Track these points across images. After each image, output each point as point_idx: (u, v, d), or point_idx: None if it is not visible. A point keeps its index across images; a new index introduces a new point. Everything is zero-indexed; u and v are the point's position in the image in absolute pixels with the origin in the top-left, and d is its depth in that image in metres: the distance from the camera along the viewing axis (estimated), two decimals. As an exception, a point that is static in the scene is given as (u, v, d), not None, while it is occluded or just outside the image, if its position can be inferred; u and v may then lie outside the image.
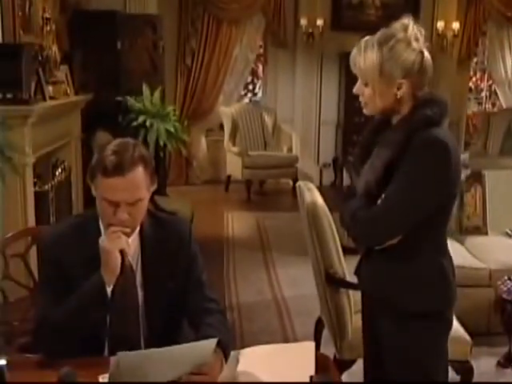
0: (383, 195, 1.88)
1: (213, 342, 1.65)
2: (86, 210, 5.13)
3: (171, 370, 1.63)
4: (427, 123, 1.85)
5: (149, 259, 1.91)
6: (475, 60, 8.93)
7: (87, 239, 1.86)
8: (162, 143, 5.65)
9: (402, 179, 1.85)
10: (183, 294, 1.94)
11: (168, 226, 1.97)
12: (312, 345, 1.89)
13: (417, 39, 1.86)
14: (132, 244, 1.87)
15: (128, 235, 1.83)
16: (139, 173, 1.78)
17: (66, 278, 1.85)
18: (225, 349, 1.77)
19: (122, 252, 1.79)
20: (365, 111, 1.96)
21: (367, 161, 1.94)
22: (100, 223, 1.88)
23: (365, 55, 1.87)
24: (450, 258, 1.99)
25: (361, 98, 1.94)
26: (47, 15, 4.61)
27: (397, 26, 1.87)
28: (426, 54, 1.87)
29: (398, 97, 1.87)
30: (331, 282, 2.77)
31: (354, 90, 1.95)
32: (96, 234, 1.87)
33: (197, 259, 1.99)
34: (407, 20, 1.87)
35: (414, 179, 1.84)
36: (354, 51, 1.91)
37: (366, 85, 1.89)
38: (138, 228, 1.90)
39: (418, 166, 1.83)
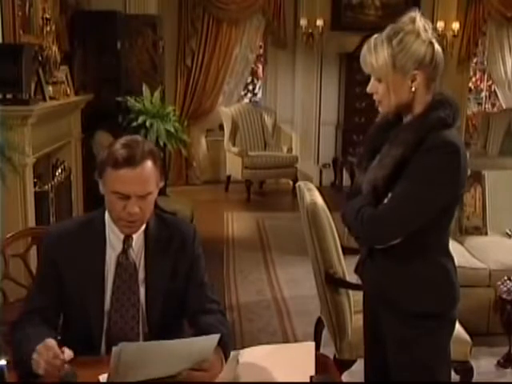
0: (390, 194, 1.88)
1: (215, 338, 1.66)
2: (86, 210, 5.13)
3: (171, 364, 1.63)
4: (440, 125, 1.84)
5: (152, 257, 1.92)
6: (475, 60, 8.93)
7: (91, 233, 1.90)
8: (161, 143, 5.65)
9: (411, 179, 1.84)
10: (184, 294, 1.96)
11: (173, 227, 1.99)
12: (312, 345, 1.89)
13: (425, 30, 1.85)
14: (137, 241, 1.91)
15: (135, 229, 1.88)
16: (149, 166, 1.81)
17: (58, 277, 1.88)
18: (224, 349, 1.77)
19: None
20: (380, 110, 1.94)
21: (375, 158, 1.93)
22: (106, 219, 1.91)
23: (376, 53, 1.86)
24: (453, 259, 1.99)
25: (375, 97, 1.92)
26: (47, 15, 4.61)
27: (404, 19, 1.87)
28: (437, 45, 1.87)
29: (413, 89, 1.85)
30: (331, 282, 2.77)
31: (368, 89, 1.93)
32: (101, 228, 1.90)
33: (199, 260, 2.00)
34: (414, 13, 1.87)
35: (424, 180, 1.83)
36: (364, 50, 1.89)
37: (380, 81, 1.88)
38: (144, 226, 1.92)
39: (428, 168, 1.82)
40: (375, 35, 1.89)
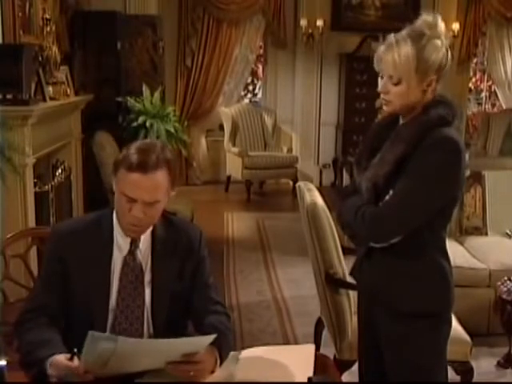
0: (391, 192, 1.88)
1: (209, 337, 1.67)
2: (86, 210, 5.13)
3: (160, 358, 1.64)
4: (441, 122, 1.85)
5: (159, 259, 1.93)
6: (475, 61, 8.93)
7: (99, 232, 1.90)
8: (161, 144, 5.64)
9: (412, 176, 1.84)
10: (189, 296, 1.96)
11: (180, 229, 1.99)
12: (312, 347, 1.89)
13: (444, 35, 1.87)
14: (144, 242, 1.91)
15: (139, 233, 1.88)
16: (161, 175, 1.81)
17: (65, 275, 1.88)
18: (221, 349, 1.77)
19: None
20: (385, 108, 1.93)
21: (375, 155, 1.93)
22: (114, 218, 1.91)
23: (399, 50, 1.83)
24: (449, 259, 2.00)
25: (385, 96, 1.90)
26: (47, 16, 4.61)
27: (425, 21, 1.87)
28: (448, 51, 1.89)
29: (426, 90, 1.86)
30: (331, 283, 2.77)
31: (380, 89, 1.91)
32: (109, 227, 1.90)
33: (205, 262, 2.01)
34: (433, 17, 1.88)
35: (425, 177, 1.83)
36: (382, 49, 1.87)
37: (399, 82, 1.85)
38: (151, 228, 1.93)
39: (429, 164, 1.82)
40: (391, 34, 1.88)
